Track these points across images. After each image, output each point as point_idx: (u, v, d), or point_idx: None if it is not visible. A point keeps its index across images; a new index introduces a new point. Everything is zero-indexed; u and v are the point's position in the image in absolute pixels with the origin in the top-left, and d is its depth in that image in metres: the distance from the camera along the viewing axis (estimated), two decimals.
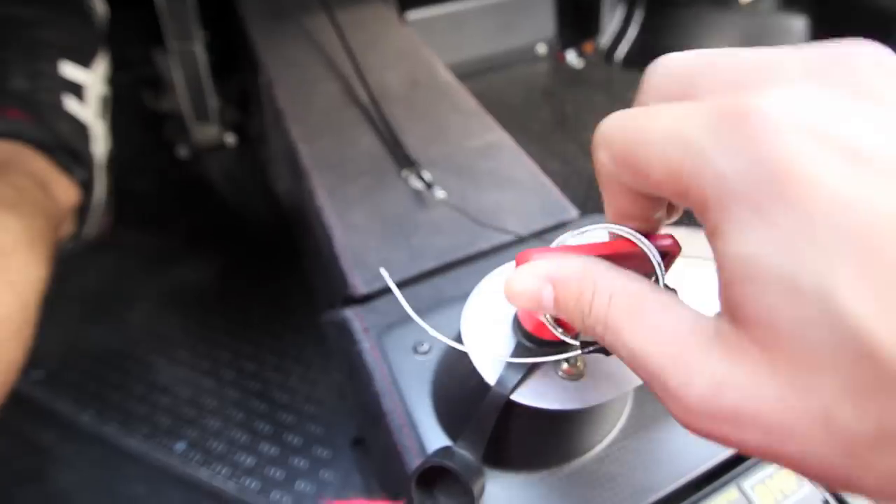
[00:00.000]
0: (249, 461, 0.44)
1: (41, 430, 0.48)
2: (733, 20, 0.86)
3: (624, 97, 0.85)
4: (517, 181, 0.43)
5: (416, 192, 0.41)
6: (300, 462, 0.43)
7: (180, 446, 0.45)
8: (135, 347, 0.54)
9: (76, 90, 0.59)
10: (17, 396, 0.46)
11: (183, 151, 0.79)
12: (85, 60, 0.60)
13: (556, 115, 0.83)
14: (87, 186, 0.58)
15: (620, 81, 0.89)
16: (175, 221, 0.71)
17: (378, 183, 0.42)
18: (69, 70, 0.59)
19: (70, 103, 0.58)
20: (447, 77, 0.56)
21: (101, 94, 0.62)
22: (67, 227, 0.55)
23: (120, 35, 0.69)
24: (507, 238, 0.38)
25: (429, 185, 0.40)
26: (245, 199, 0.73)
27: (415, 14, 0.85)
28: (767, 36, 0.86)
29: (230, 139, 0.81)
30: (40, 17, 0.58)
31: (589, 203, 0.68)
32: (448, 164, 0.44)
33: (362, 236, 0.38)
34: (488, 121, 0.49)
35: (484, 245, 0.38)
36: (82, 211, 0.57)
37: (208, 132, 0.79)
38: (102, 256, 0.63)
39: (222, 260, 0.66)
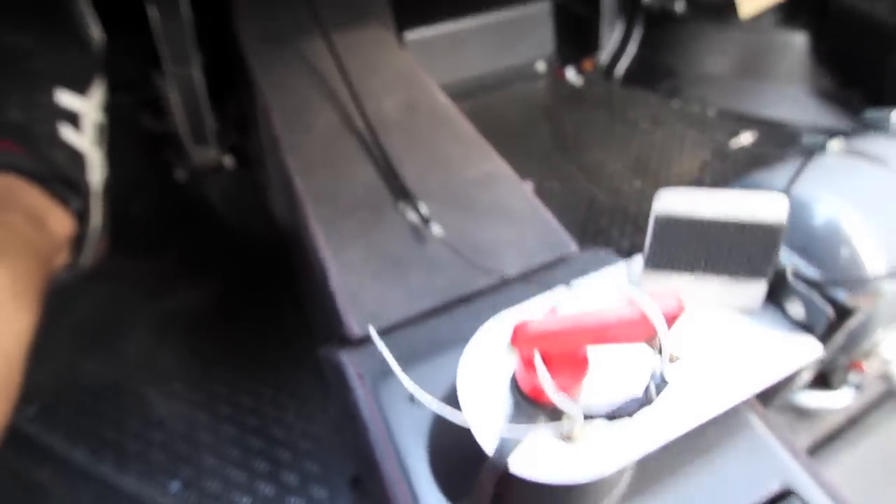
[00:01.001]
0: (245, 501, 0.43)
1: (35, 467, 0.47)
2: (733, 36, 0.86)
3: (624, 115, 0.85)
4: (515, 213, 0.42)
5: (413, 228, 0.40)
6: (297, 502, 0.42)
7: (175, 486, 0.44)
8: (129, 380, 0.53)
9: (72, 118, 0.58)
10: (10, 432, 0.45)
11: (181, 174, 0.79)
12: (81, 88, 0.60)
13: (555, 134, 0.82)
14: (82, 216, 0.57)
15: (620, 99, 0.89)
16: (171, 246, 0.71)
17: (374, 217, 0.41)
18: (65, 98, 0.58)
19: (66, 132, 0.57)
20: (445, 103, 0.55)
21: (97, 121, 0.61)
22: (62, 258, 0.55)
23: (118, 57, 0.69)
24: (505, 275, 0.37)
25: (425, 221, 0.40)
26: (243, 222, 0.73)
27: (413, 34, 0.85)
28: (767, 52, 0.86)
29: (228, 161, 0.80)
30: (36, 46, 0.58)
31: (589, 225, 0.67)
32: (446, 195, 0.44)
33: (358, 275, 0.37)
34: (487, 149, 0.49)
35: (482, 283, 0.37)
36: (78, 240, 0.57)
37: (206, 154, 0.79)
38: (97, 284, 0.63)
39: (219, 285, 0.66)
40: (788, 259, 0.26)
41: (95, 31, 0.63)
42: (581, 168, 0.76)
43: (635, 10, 0.91)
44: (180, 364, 0.56)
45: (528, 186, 0.74)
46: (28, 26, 0.58)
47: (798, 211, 0.42)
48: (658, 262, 0.27)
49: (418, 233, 0.40)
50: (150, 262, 0.69)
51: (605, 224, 0.67)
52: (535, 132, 0.83)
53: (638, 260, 0.31)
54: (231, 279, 0.66)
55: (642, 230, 0.67)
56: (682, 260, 0.26)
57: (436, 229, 0.39)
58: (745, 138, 0.79)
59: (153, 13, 0.68)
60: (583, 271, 0.34)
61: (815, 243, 0.41)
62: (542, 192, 0.73)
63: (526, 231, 0.41)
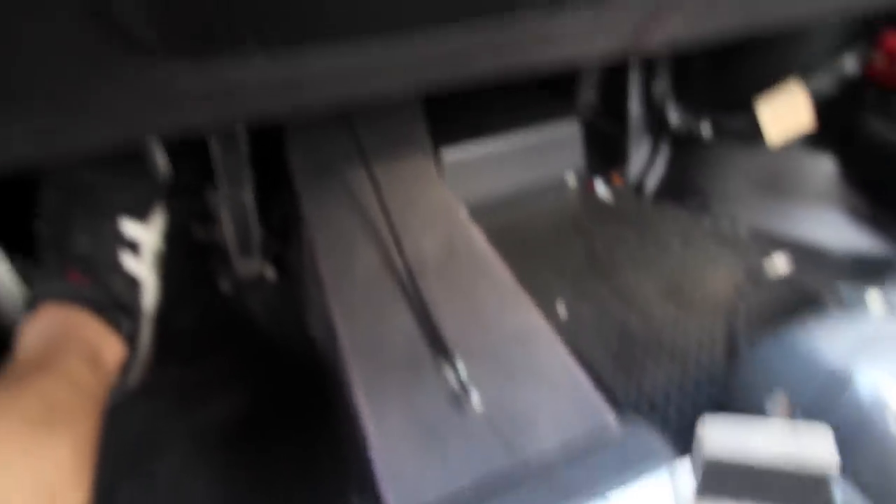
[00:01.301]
0: None
1: None
2: (761, 158, 0.88)
3: (655, 233, 0.86)
4: (552, 377, 0.43)
5: (453, 394, 0.41)
6: None
7: None
8: None
9: (133, 246, 0.63)
10: None
11: (225, 285, 0.83)
12: (143, 216, 0.65)
13: (586, 251, 0.84)
14: (132, 338, 0.60)
15: (651, 216, 0.90)
16: (211, 358, 0.73)
17: (414, 378, 0.42)
18: (129, 227, 0.63)
19: (127, 260, 0.61)
20: (482, 244, 0.57)
21: (155, 247, 0.66)
22: (110, 383, 0.57)
23: (175, 169, 0.74)
24: (544, 449, 0.37)
25: (464, 387, 0.40)
26: (283, 338, 0.75)
27: (449, 152, 0.90)
28: (796, 174, 0.87)
29: (270, 273, 0.84)
30: (106, 181, 0.63)
31: (622, 354, 0.67)
32: (484, 352, 0.44)
33: (397, 446, 0.38)
34: (523, 299, 0.50)
35: (520, 460, 0.37)
36: (126, 363, 0.59)
37: (250, 266, 0.83)
38: (136, 399, 0.64)
39: (254, 404, 0.67)
40: (842, 492, 0.25)
41: (162, 164, 0.69)
42: (613, 290, 0.76)
43: (661, 131, 0.95)
44: (210, 492, 0.57)
45: (560, 308, 0.75)
46: (103, 165, 0.63)
47: (841, 386, 0.41)
48: (708, 492, 0.27)
49: (458, 401, 0.40)
50: (190, 374, 0.71)
51: (640, 354, 0.67)
52: (566, 248, 0.85)
53: (685, 467, 0.31)
54: (267, 399, 0.67)
55: (677, 362, 0.67)
56: (733, 492, 0.26)
57: (474, 398, 0.40)
58: (780, 262, 0.79)
59: (215, 147, 0.74)
60: (623, 461, 0.33)
61: (859, 418, 0.40)
62: (573, 317, 0.74)
63: (562, 398, 0.41)
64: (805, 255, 0.81)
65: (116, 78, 0.29)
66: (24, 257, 0.63)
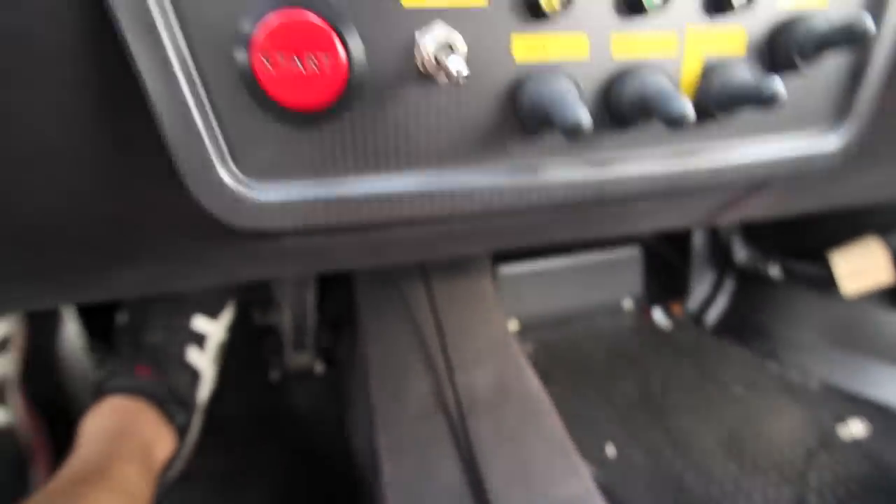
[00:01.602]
0: None
1: None
2: (834, 310, 0.84)
3: (715, 373, 0.82)
4: None
5: None
6: None
7: None
8: None
9: (200, 340, 0.66)
10: None
11: (275, 374, 0.84)
12: (215, 312, 0.69)
13: (641, 385, 0.81)
14: (183, 430, 0.62)
15: (710, 352, 0.87)
16: (252, 447, 0.73)
17: None
18: (199, 322, 0.66)
19: (192, 353, 0.64)
20: (534, 384, 0.56)
21: (220, 340, 0.69)
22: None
23: None
24: None
25: None
26: (322, 436, 0.75)
27: (506, 268, 0.91)
28: (872, 333, 0.82)
29: (319, 367, 0.85)
30: None
31: None
32: None
33: None
34: (574, 459, 0.48)
35: None
36: (173, 456, 0.61)
37: (301, 359, 0.85)
38: (179, 483, 0.65)
39: (287, 502, 0.66)
40: None
41: None
42: (667, 435, 0.72)
43: (726, 266, 0.93)
44: None
45: (608, 448, 0.71)
46: None
47: None
48: None
49: None
50: (231, 461, 0.71)
51: None
52: (618, 379, 0.82)
53: None
54: (301, 496, 0.66)
55: None
56: None
57: None
58: (855, 426, 0.73)
59: None
60: None
61: None
62: (623, 459, 0.70)
63: None
64: (882, 420, 0.74)
65: (223, 246, 0.32)
66: (102, 342, 0.68)
